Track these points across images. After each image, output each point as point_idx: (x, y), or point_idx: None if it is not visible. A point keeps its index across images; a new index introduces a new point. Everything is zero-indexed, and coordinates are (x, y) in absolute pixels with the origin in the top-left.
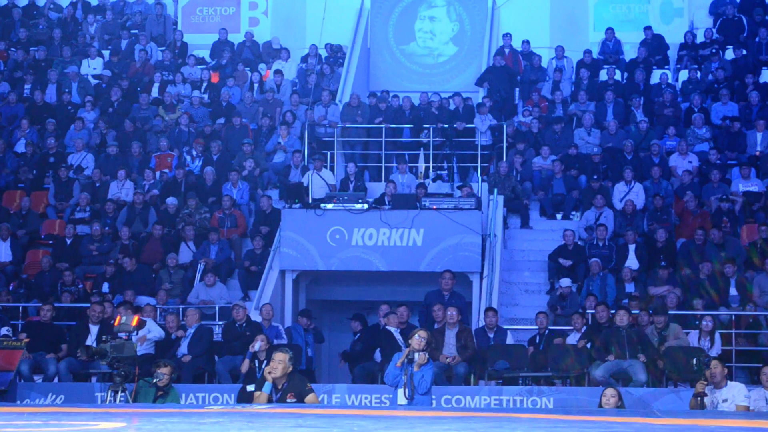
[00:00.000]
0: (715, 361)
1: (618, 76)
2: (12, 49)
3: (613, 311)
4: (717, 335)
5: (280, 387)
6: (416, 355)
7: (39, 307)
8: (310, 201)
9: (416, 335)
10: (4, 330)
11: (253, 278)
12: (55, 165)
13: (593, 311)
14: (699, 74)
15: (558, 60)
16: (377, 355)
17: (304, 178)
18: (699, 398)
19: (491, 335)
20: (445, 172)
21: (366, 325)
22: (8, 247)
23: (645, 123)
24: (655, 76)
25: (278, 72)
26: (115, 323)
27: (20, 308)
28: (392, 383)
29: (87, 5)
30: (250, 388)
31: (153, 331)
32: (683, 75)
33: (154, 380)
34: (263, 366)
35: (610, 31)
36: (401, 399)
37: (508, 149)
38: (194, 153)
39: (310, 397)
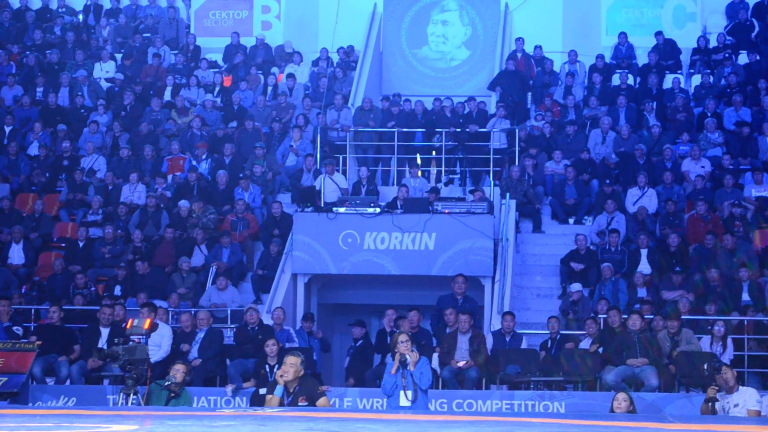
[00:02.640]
0: (726, 366)
1: (631, 80)
2: (27, 52)
3: (625, 316)
4: (729, 340)
5: (291, 390)
6: (407, 356)
7: (48, 309)
8: (322, 205)
9: (399, 341)
10: (15, 328)
11: (266, 281)
12: (69, 168)
13: (605, 316)
14: (712, 79)
15: (571, 64)
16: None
17: (316, 181)
18: (710, 403)
19: (508, 339)
20: (458, 176)
21: (366, 332)
22: (21, 250)
23: (657, 128)
24: (668, 81)
25: (291, 76)
26: (127, 326)
27: (33, 310)
28: (390, 393)
29: (99, 9)
30: (262, 391)
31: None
32: (696, 80)
33: (167, 383)
34: (275, 369)
35: (623, 35)
36: (404, 401)
37: (520, 153)
38: (200, 157)
39: (321, 401)
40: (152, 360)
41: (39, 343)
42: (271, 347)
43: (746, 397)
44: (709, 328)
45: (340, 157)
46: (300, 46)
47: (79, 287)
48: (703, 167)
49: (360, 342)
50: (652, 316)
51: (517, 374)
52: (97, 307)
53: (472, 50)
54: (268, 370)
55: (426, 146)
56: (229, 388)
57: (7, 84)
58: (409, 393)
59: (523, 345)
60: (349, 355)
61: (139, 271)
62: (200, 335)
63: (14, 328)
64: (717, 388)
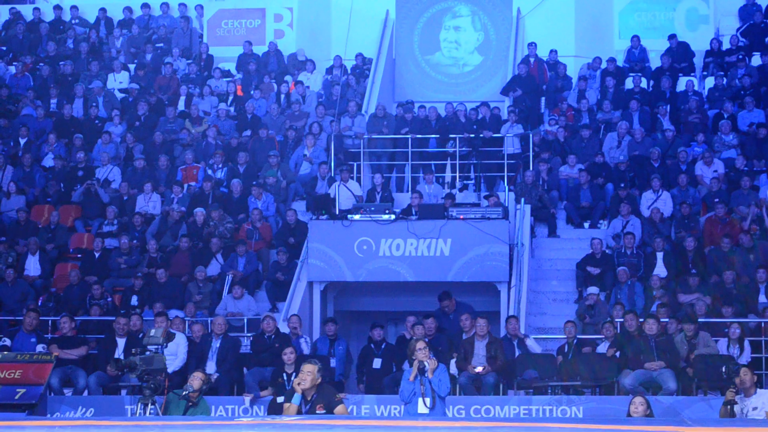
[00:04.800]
0: (744, 368)
1: (644, 83)
2: (41, 63)
3: (641, 320)
4: (746, 342)
5: (309, 398)
6: (426, 363)
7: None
8: (337, 212)
9: (417, 348)
10: (40, 347)
11: (281, 290)
12: (84, 179)
13: (621, 320)
14: (725, 81)
15: (593, 70)
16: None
17: (330, 189)
18: (729, 406)
19: (515, 342)
20: (472, 182)
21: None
22: (37, 261)
23: (671, 131)
24: (681, 84)
25: (302, 83)
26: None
27: (49, 322)
28: (408, 399)
29: (110, 22)
30: (280, 399)
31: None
32: (709, 82)
33: (184, 392)
34: (292, 377)
35: (635, 38)
36: (422, 408)
37: (534, 158)
38: (216, 166)
39: (339, 409)
40: (169, 370)
41: (56, 354)
42: (288, 355)
43: (765, 400)
44: (726, 330)
45: (354, 164)
46: (313, 54)
47: (95, 298)
48: (716, 171)
49: (384, 345)
50: (667, 320)
51: (534, 379)
52: (114, 318)
53: (484, 55)
54: (285, 378)
55: (440, 152)
56: (246, 398)
57: (27, 97)
58: (428, 400)
59: (536, 350)
60: (378, 356)
61: (160, 279)
62: (215, 344)
63: (40, 345)
64: (735, 390)
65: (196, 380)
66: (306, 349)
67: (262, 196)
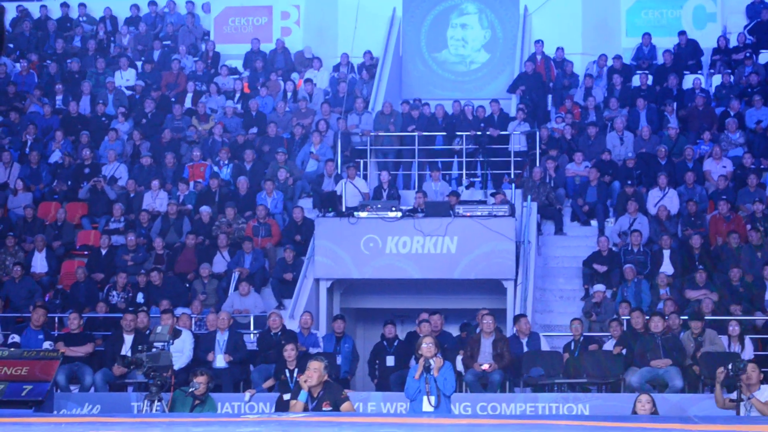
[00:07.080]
0: (752, 364)
1: (651, 81)
2: (47, 61)
3: (648, 317)
4: (747, 339)
5: (315, 395)
6: (431, 361)
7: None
8: (343, 209)
9: (423, 344)
10: (47, 344)
11: (287, 287)
12: (90, 176)
13: (627, 317)
14: (732, 78)
15: (599, 67)
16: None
17: (337, 186)
18: (724, 390)
19: (524, 341)
20: (479, 179)
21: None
22: (44, 258)
23: (674, 129)
24: (688, 81)
25: (310, 81)
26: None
27: (56, 319)
28: (413, 397)
29: (114, 20)
30: (286, 396)
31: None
32: (716, 80)
33: (190, 389)
34: (295, 374)
35: (647, 36)
36: (427, 406)
37: (541, 156)
38: (221, 162)
39: (345, 405)
40: (175, 367)
41: (63, 351)
42: (289, 352)
43: (767, 394)
44: (731, 328)
45: (361, 161)
46: (319, 51)
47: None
48: (724, 167)
49: (396, 342)
50: (670, 314)
51: (540, 377)
52: (121, 315)
53: (491, 53)
54: (288, 374)
55: (447, 149)
56: (247, 394)
57: (33, 95)
58: (433, 398)
59: (543, 347)
60: (390, 353)
61: (154, 281)
62: (222, 338)
63: (46, 343)
64: (740, 388)
65: (202, 385)
66: (321, 345)
67: (273, 192)
